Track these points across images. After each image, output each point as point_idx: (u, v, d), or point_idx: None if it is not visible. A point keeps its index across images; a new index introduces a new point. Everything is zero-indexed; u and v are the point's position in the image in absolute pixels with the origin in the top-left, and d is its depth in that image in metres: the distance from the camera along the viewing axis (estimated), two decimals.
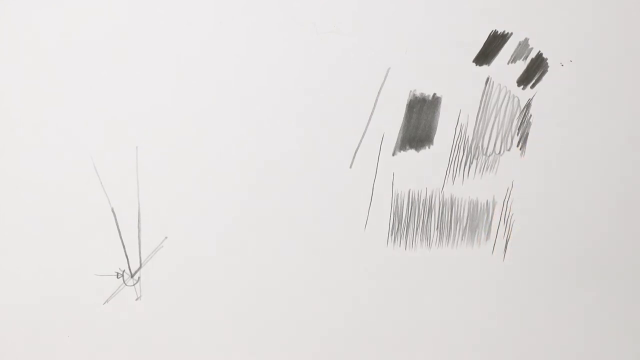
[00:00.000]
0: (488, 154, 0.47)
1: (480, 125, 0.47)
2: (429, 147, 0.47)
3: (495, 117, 0.47)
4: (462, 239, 0.47)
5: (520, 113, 0.47)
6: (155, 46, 0.45)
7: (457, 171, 0.47)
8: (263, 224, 0.45)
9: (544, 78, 0.47)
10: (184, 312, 0.44)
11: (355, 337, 0.46)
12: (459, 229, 0.47)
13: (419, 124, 0.46)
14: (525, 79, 0.47)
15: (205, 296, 0.44)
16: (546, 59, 0.47)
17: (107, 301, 0.44)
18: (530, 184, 0.47)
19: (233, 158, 0.45)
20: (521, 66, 0.47)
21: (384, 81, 0.46)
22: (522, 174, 0.47)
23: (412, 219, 0.46)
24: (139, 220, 0.45)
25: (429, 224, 0.47)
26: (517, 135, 0.47)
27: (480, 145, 0.47)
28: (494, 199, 0.47)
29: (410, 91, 0.46)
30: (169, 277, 0.45)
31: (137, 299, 0.45)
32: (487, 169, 0.47)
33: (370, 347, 0.46)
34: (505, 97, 0.47)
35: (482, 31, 0.47)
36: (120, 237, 0.44)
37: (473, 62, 0.47)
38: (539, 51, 0.47)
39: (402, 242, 0.46)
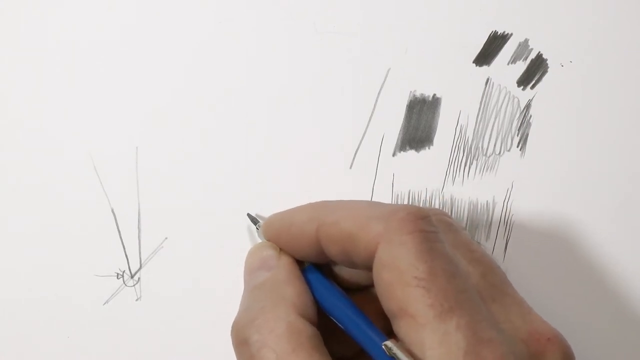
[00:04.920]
0: (488, 155, 0.47)
1: (480, 126, 0.47)
2: (429, 148, 0.47)
3: (495, 118, 0.47)
4: None
5: (520, 114, 0.47)
6: (155, 46, 0.45)
7: (457, 172, 0.47)
8: None
9: (544, 78, 0.47)
10: (184, 313, 0.44)
11: None
12: None
13: (419, 125, 0.47)
14: (525, 80, 0.47)
15: (206, 297, 0.44)
16: (546, 60, 0.47)
17: (107, 302, 0.44)
18: (530, 184, 0.47)
19: (233, 158, 0.45)
20: (521, 67, 0.47)
21: (384, 81, 0.46)
22: (522, 174, 0.47)
23: None
24: (139, 220, 0.44)
25: None
26: (517, 135, 0.47)
27: (480, 145, 0.47)
28: (493, 200, 0.47)
29: (410, 91, 0.46)
30: (169, 278, 0.45)
31: (137, 300, 0.44)
32: (487, 169, 0.47)
33: None
34: (505, 97, 0.47)
35: (482, 31, 0.47)
36: (120, 238, 0.44)
37: (473, 62, 0.47)
38: (539, 52, 0.47)
39: None
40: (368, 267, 0.32)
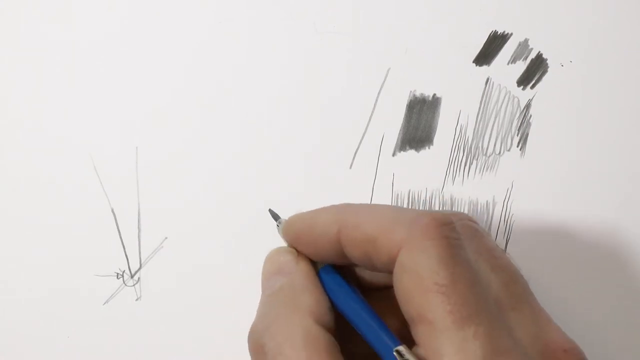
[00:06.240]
0: (488, 155, 0.47)
1: (480, 126, 0.47)
2: (429, 148, 0.47)
3: (495, 118, 0.47)
4: None
5: (520, 113, 0.47)
6: (155, 46, 0.45)
7: (457, 171, 0.47)
8: (263, 224, 0.45)
9: (544, 78, 0.47)
10: (184, 313, 0.44)
11: None
12: None
13: (419, 125, 0.47)
14: (525, 80, 0.47)
15: (206, 297, 0.44)
16: (546, 60, 0.47)
17: (107, 302, 0.44)
18: (530, 184, 0.47)
19: (233, 158, 0.45)
20: (521, 66, 0.47)
21: (384, 81, 0.46)
22: (522, 174, 0.47)
23: None
24: (139, 220, 0.45)
25: None
26: (517, 135, 0.47)
27: (480, 145, 0.47)
28: (494, 199, 0.47)
29: (410, 91, 0.46)
30: (169, 278, 0.45)
31: (137, 300, 0.44)
32: (487, 169, 0.47)
33: None
34: (505, 97, 0.47)
35: (482, 31, 0.47)
36: (120, 237, 0.44)
37: (473, 62, 0.47)
38: (539, 51, 0.47)
39: None
40: (389, 271, 0.32)
